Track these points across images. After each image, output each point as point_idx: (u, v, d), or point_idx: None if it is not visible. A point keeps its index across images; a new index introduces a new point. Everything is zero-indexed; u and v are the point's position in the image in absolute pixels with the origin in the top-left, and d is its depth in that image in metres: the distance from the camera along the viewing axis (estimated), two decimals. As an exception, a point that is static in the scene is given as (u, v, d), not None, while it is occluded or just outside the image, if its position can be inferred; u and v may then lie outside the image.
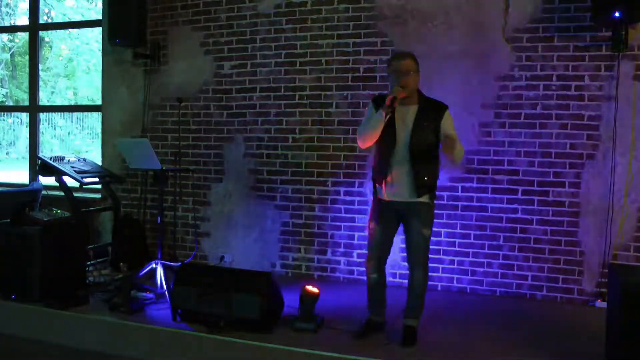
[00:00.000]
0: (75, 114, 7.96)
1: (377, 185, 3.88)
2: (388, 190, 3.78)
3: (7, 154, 8.82)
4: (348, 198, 5.39)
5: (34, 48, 7.16)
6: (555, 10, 4.79)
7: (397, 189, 3.75)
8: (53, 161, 5.27)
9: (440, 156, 3.84)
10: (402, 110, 3.76)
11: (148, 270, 4.93)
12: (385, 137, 3.75)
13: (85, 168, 5.46)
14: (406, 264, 4.08)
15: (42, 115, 7.35)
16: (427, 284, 3.95)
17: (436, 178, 3.83)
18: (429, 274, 4.01)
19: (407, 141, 3.71)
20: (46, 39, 8.39)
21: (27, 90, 7.37)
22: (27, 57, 7.65)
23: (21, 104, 8.70)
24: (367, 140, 3.82)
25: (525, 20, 4.87)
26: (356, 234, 5.34)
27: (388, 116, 3.68)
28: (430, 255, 5.07)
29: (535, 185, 4.89)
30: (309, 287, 4.11)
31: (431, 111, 3.75)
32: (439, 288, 5.16)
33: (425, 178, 3.72)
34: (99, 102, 6.61)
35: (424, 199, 3.76)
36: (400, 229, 3.95)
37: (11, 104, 9.20)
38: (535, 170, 4.88)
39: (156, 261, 4.94)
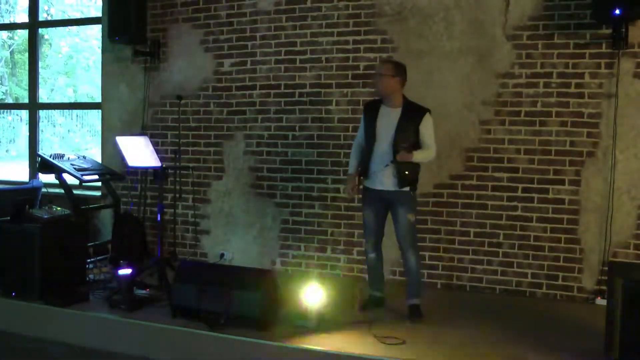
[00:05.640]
0: (75, 111, 7.92)
1: (363, 177, 4.40)
2: (374, 181, 4.29)
3: (6, 151, 8.80)
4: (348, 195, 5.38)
5: (33, 45, 7.15)
6: (556, 7, 4.78)
7: (382, 180, 4.25)
8: (53, 159, 5.27)
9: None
10: (387, 112, 4.27)
11: (148, 267, 4.93)
12: (369, 136, 4.32)
13: (85, 165, 5.46)
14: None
15: (42, 113, 7.33)
16: (420, 264, 4.44)
17: (416, 173, 4.28)
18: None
19: (391, 140, 4.18)
20: (45, 36, 8.35)
21: (27, 88, 7.36)
22: (26, 54, 7.63)
23: (21, 102, 8.66)
24: None
25: (526, 17, 4.86)
26: (356, 232, 5.34)
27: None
28: (430, 253, 5.15)
29: (535, 182, 4.89)
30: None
31: (413, 114, 4.22)
32: (439, 285, 5.16)
33: (406, 172, 4.18)
34: (99, 100, 6.61)
35: (406, 189, 4.23)
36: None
37: (11, 101, 9.17)
38: (535, 167, 4.88)
39: (156, 259, 4.93)
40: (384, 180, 4.23)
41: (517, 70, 4.90)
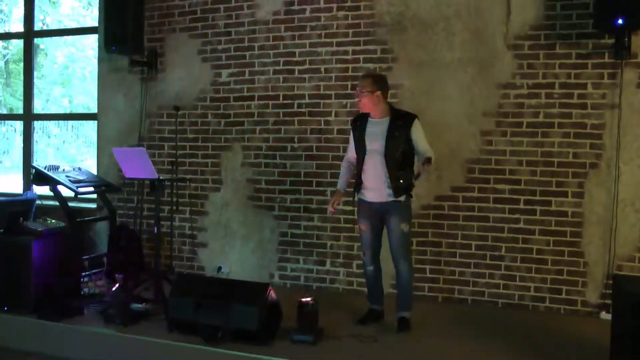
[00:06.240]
0: (70, 122, 7.87)
1: (356, 191, 4.39)
2: (368, 193, 4.29)
3: (0, 162, 8.74)
4: (347, 208, 5.30)
5: (28, 55, 7.10)
6: (557, 17, 4.75)
7: (376, 192, 4.23)
8: (47, 170, 5.19)
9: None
10: (375, 123, 4.24)
11: (144, 281, 4.86)
12: (359, 150, 4.30)
13: (81, 177, 5.39)
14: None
15: (37, 124, 7.27)
16: (413, 277, 4.38)
17: (410, 181, 4.19)
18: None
19: (382, 150, 4.16)
20: (41, 46, 8.31)
21: (22, 98, 7.30)
22: (21, 64, 7.58)
23: (15, 112, 8.61)
24: None
25: (527, 27, 4.83)
26: (355, 245, 5.26)
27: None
28: (431, 266, 5.08)
29: (538, 194, 4.83)
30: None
31: (401, 122, 4.19)
32: (440, 299, 5.09)
33: (401, 181, 4.14)
34: (95, 111, 6.56)
35: (401, 198, 4.19)
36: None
37: (5, 112, 9.10)
38: (537, 179, 4.83)
39: (153, 272, 4.86)
40: (378, 192, 4.21)
41: (518, 81, 4.86)
